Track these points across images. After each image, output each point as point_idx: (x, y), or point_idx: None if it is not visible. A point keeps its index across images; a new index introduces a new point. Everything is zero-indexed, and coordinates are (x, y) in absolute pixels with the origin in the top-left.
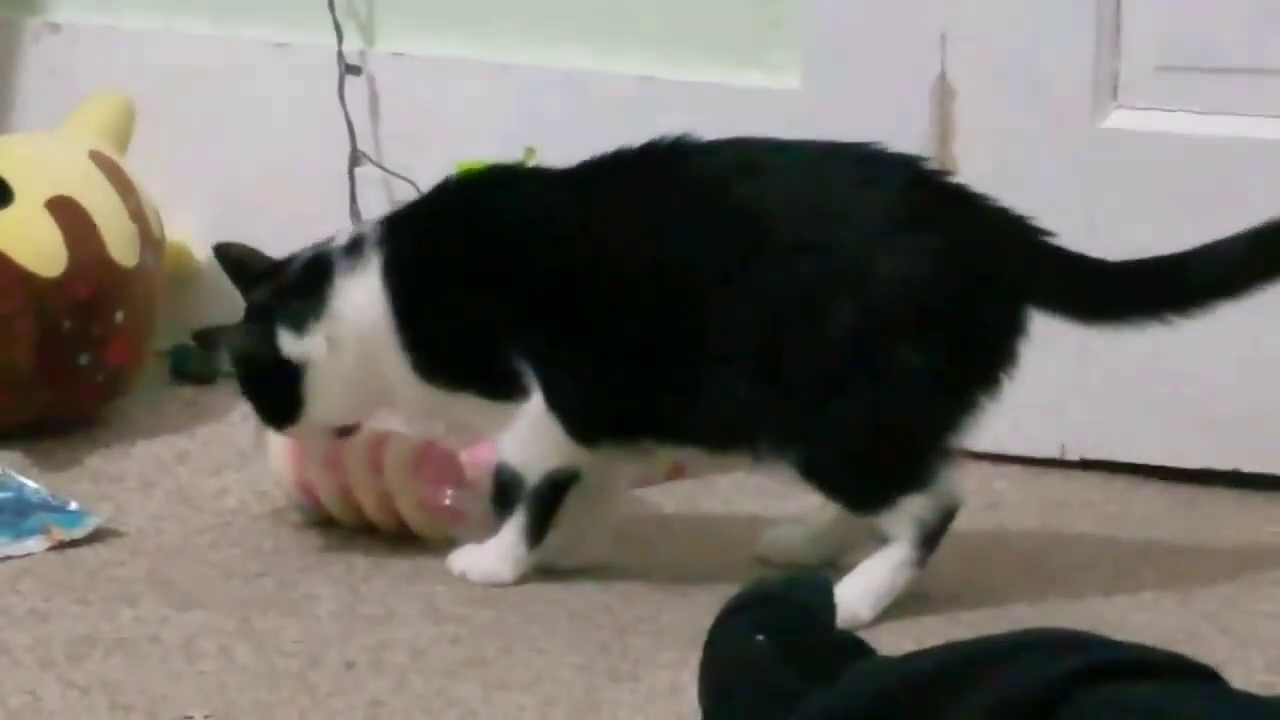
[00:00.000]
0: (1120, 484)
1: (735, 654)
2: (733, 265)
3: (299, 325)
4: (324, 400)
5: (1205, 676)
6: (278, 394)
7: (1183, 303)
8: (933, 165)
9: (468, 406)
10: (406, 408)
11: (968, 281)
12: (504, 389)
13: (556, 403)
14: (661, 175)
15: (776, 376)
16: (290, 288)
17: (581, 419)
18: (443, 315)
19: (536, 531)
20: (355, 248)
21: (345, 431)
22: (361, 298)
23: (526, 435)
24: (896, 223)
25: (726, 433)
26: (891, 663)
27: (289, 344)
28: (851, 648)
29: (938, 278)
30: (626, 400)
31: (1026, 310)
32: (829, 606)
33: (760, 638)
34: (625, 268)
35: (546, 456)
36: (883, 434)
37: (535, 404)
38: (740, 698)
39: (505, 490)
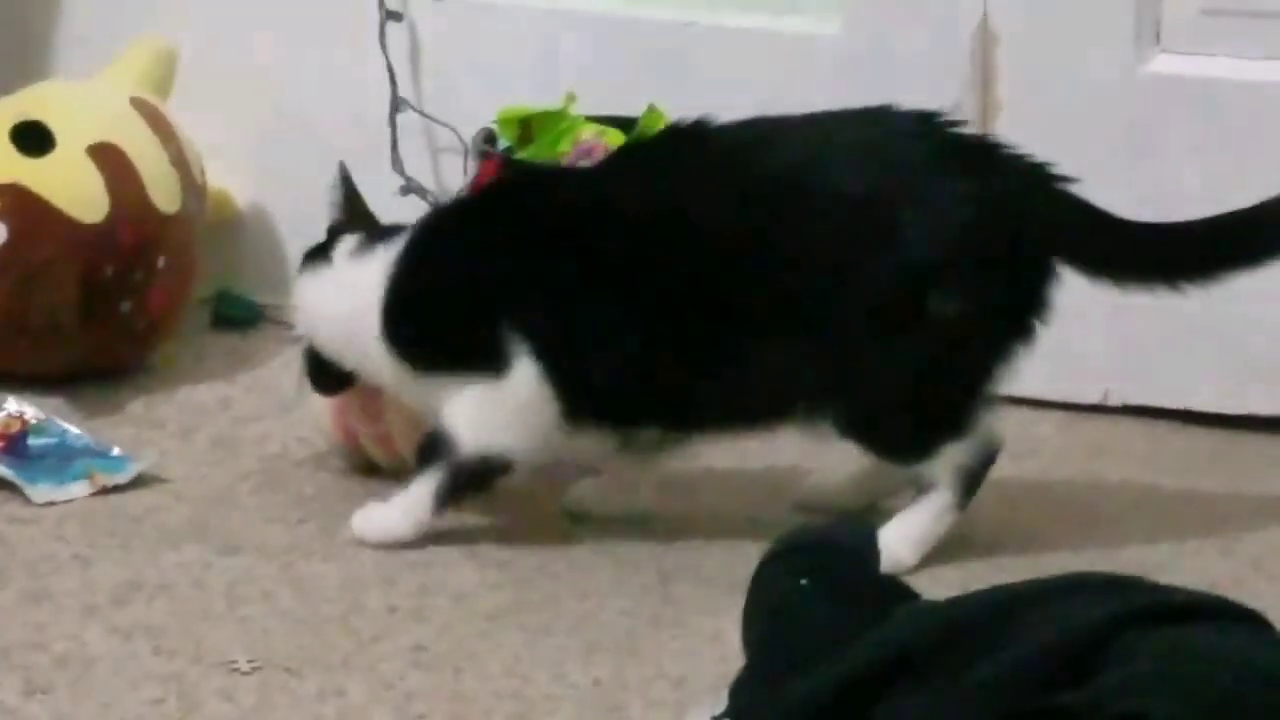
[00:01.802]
0: (1163, 429)
1: (779, 599)
2: (763, 227)
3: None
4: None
5: (1252, 621)
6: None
7: (1198, 274)
8: (953, 118)
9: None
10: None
11: (999, 229)
12: (484, 365)
13: (564, 380)
14: (685, 151)
15: (811, 335)
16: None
17: (594, 400)
18: (441, 291)
19: (448, 500)
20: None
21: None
22: (362, 277)
23: (487, 408)
24: (926, 173)
25: (763, 405)
26: (936, 606)
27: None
28: (895, 592)
29: (970, 225)
30: (654, 385)
31: (1056, 258)
32: (873, 551)
33: (804, 582)
34: (654, 244)
35: (501, 432)
36: (921, 385)
37: (515, 380)
38: (784, 642)
39: (435, 447)
